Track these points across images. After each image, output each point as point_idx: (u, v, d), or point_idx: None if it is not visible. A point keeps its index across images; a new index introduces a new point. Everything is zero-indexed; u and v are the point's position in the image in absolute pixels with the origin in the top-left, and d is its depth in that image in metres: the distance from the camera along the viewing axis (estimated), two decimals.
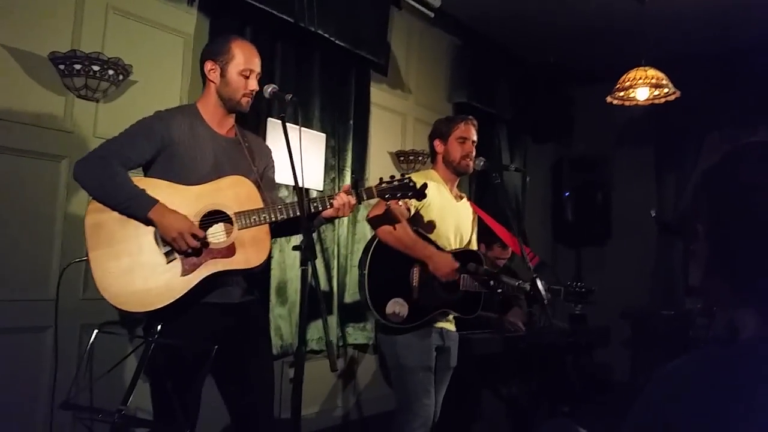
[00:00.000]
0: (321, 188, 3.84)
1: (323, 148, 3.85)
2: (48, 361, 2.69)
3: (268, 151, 2.43)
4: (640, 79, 4.39)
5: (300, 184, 2.01)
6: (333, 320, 3.89)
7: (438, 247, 2.79)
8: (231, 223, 2.11)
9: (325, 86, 3.95)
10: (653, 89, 4.48)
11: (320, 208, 2.20)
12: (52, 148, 2.74)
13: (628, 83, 4.44)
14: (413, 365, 2.72)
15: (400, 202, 2.47)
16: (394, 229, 2.64)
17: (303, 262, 1.93)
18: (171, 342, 2.06)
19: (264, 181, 2.31)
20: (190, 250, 2.03)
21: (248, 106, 2.27)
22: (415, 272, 2.74)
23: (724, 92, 5.45)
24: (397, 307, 2.67)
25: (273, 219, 2.13)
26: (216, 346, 1.89)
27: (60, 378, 2.62)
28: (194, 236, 2.02)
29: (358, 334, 4.07)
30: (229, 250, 2.10)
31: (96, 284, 2.00)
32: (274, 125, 3.41)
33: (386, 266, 2.69)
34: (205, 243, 2.07)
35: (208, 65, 2.24)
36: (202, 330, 2.09)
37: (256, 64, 2.27)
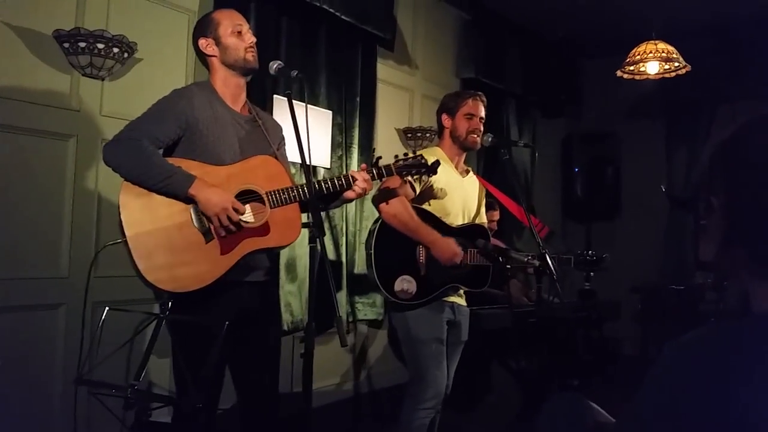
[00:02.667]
0: (328, 166, 3.83)
1: (330, 126, 3.84)
2: (61, 338, 2.73)
3: (280, 128, 2.45)
4: (650, 52, 4.33)
5: (307, 162, 2.00)
6: (342, 296, 3.91)
7: (445, 225, 2.79)
8: (262, 202, 2.13)
9: (331, 62, 3.92)
10: (664, 63, 4.43)
11: (345, 186, 2.23)
12: (59, 127, 2.74)
13: (638, 57, 4.39)
14: (425, 337, 2.73)
15: (412, 178, 2.48)
16: (399, 212, 2.64)
17: (312, 240, 1.94)
18: (181, 318, 2.08)
19: (278, 158, 2.31)
20: (231, 226, 2.04)
21: (256, 60, 2.26)
22: (422, 249, 2.74)
23: (736, 65, 5.37)
24: (405, 284, 2.69)
25: (302, 198, 2.15)
26: (227, 322, 1.91)
27: (76, 355, 2.66)
28: (236, 211, 2.04)
29: (368, 310, 4.09)
30: (264, 229, 2.12)
31: (136, 264, 1.99)
32: (280, 102, 3.39)
33: (393, 244, 2.70)
34: (238, 224, 2.08)
35: (202, 43, 2.24)
36: (231, 307, 2.13)
37: (241, 18, 2.28)
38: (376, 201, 2.74)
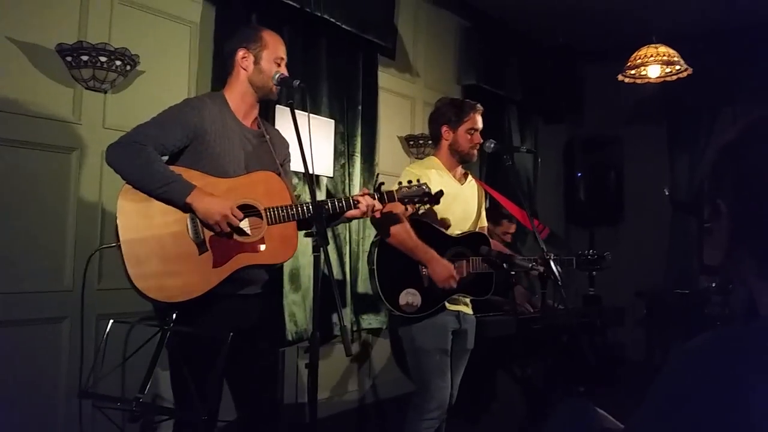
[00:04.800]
0: (331, 174, 3.83)
1: (332, 135, 3.84)
2: (65, 352, 2.73)
3: (287, 145, 2.44)
4: (651, 56, 4.34)
5: (310, 171, 2.01)
6: (347, 306, 3.90)
7: (445, 236, 2.79)
8: (260, 217, 2.13)
9: (333, 71, 3.93)
10: (665, 66, 4.44)
11: (345, 208, 2.23)
12: (62, 140, 2.75)
13: (639, 61, 4.39)
14: (429, 347, 2.73)
15: (414, 206, 2.50)
16: (397, 231, 2.66)
17: (315, 249, 1.93)
18: (186, 330, 2.08)
19: (283, 178, 2.31)
20: (230, 230, 2.05)
21: (278, 93, 2.30)
22: None
23: (737, 68, 5.37)
24: (409, 297, 2.69)
25: (301, 216, 2.15)
26: (231, 333, 1.90)
27: (78, 368, 2.66)
28: (235, 217, 2.05)
29: (372, 319, 4.09)
30: (259, 245, 2.12)
31: (127, 270, 1.97)
32: (282, 112, 3.40)
33: (395, 258, 2.70)
34: (240, 231, 2.08)
35: (241, 53, 2.23)
36: (226, 320, 2.11)
37: (285, 52, 2.30)
38: (374, 221, 2.74)
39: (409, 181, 2.38)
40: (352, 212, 2.24)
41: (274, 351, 2.04)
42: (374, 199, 2.27)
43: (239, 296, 2.18)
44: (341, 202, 2.23)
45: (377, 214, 2.32)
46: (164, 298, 2.01)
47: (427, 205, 2.48)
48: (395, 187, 2.40)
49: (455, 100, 3.06)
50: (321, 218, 1.98)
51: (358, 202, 2.23)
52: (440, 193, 2.42)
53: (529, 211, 2.94)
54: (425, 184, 2.39)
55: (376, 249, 2.73)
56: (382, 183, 2.35)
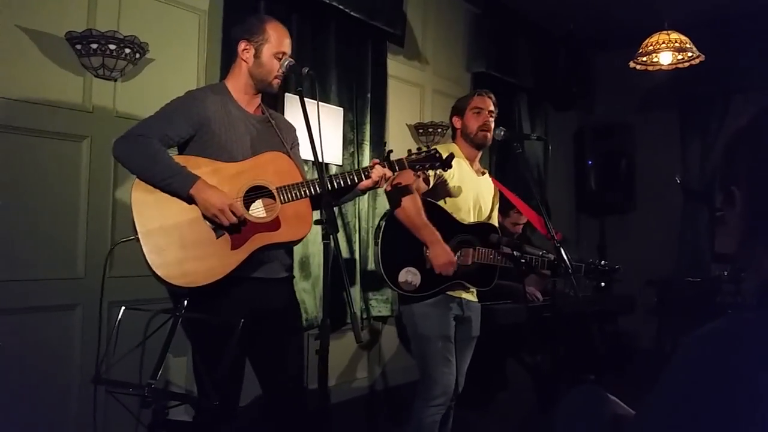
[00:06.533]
0: (340, 163, 3.83)
1: (341, 123, 3.84)
2: (78, 338, 2.75)
3: (293, 129, 2.46)
4: (663, 43, 4.30)
5: (319, 159, 2.01)
6: (356, 293, 3.91)
7: (455, 222, 2.78)
8: (273, 197, 2.14)
9: (342, 59, 3.92)
10: (677, 53, 4.39)
11: (356, 181, 2.24)
12: (72, 129, 2.76)
13: (651, 48, 4.35)
14: (431, 334, 2.73)
15: (425, 172, 2.49)
16: (407, 206, 2.65)
17: (325, 236, 1.93)
18: (196, 316, 2.09)
19: (292, 158, 2.32)
20: (230, 226, 2.06)
21: (278, 87, 2.30)
22: None
23: (750, 55, 5.30)
24: (409, 275, 2.69)
25: (312, 193, 2.16)
26: (242, 320, 1.92)
27: (93, 354, 2.68)
28: (234, 213, 2.05)
29: (382, 306, 4.09)
30: (275, 224, 2.13)
31: (147, 260, 2.01)
32: (291, 100, 3.40)
33: (400, 237, 2.70)
34: (243, 221, 2.09)
35: (242, 45, 2.24)
36: (246, 305, 2.13)
37: (289, 46, 2.28)
38: (388, 194, 2.75)
39: (419, 148, 2.38)
40: (365, 183, 2.25)
41: (299, 335, 2.04)
42: (385, 167, 2.26)
43: (259, 280, 2.19)
44: (352, 174, 2.23)
45: (388, 187, 2.33)
46: (188, 283, 2.03)
47: (439, 170, 2.45)
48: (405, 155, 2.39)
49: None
50: (330, 205, 1.98)
51: (369, 172, 2.23)
52: (451, 156, 2.41)
53: (544, 212, 2.93)
54: (435, 149, 2.37)
55: (384, 224, 2.74)
56: (391, 151, 2.35)
